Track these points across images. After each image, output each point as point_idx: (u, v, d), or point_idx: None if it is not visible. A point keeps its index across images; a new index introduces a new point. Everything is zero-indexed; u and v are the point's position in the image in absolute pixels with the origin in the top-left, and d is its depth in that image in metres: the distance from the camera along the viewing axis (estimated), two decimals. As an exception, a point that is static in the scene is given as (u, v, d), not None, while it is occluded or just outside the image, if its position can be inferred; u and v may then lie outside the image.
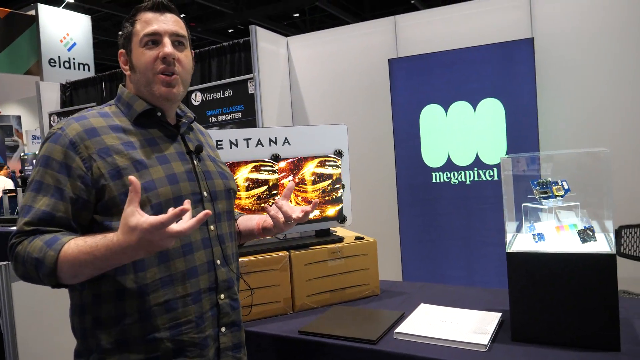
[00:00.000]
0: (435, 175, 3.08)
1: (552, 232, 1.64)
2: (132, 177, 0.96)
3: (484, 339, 1.58)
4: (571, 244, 1.58)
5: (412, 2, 11.53)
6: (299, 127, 2.18)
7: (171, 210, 0.92)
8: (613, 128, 2.90)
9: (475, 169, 3.00)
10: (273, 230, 1.42)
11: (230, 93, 3.89)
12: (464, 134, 3.00)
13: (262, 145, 1.85)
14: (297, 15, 13.09)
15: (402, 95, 3.14)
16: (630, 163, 2.87)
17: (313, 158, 1.95)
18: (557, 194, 1.64)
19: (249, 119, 3.83)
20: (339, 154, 2.17)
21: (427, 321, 1.73)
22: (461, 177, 3.03)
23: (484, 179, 2.98)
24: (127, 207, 0.95)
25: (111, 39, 13.03)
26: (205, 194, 1.21)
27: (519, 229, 1.80)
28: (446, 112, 3.04)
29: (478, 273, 2.97)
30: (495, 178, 2.95)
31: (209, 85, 4.08)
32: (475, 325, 1.68)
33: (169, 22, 1.20)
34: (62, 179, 1.09)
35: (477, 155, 2.99)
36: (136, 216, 0.94)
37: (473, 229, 2.97)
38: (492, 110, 2.93)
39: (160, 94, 1.19)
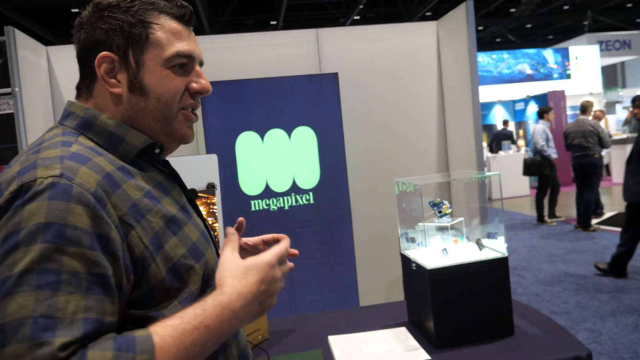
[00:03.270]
0: (254, 203, 3.04)
1: (452, 245, 1.86)
2: (239, 219, 0.88)
3: (421, 354, 1.68)
4: (472, 253, 1.83)
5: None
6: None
7: (280, 245, 0.87)
8: (402, 158, 3.48)
9: (293, 194, 3.09)
10: None
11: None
12: (280, 161, 3.07)
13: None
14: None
15: (216, 121, 3.01)
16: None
17: (218, 193, 1.71)
18: (446, 212, 1.87)
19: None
20: (212, 187, 1.97)
21: (356, 352, 1.73)
22: (280, 203, 3.08)
23: (301, 203, 3.11)
24: (230, 255, 0.83)
25: None
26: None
27: (406, 247, 1.98)
28: (262, 139, 3.05)
29: (302, 294, 3.06)
30: (312, 202, 3.11)
31: None
32: (399, 344, 1.76)
33: (196, 44, 0.92)
34: (98, 258, 0.69)
35: (293, 181, 3.09)
36: (245, 259, 0.82)
37: (295, 252, 3.05)
38: (306, 138, 3.10)
39: (182, 135, 0.91)
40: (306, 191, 3.11)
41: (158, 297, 0.77)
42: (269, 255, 0.83)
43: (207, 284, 0.85)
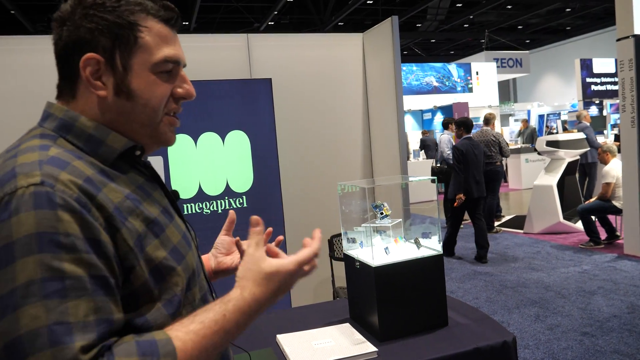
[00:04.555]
0: (187, 206, 3.00)
1: (392, 245, 1.99)
2: (253, 217, 0.84)
3: (369, 347, 1.79)
4: (412, 252, 1.97)
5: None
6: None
7: (313, 240, 0.89)
8: (331, 163, 3.58)
9: (226, 197, 3.09)
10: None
11: None
12: (214, 164, 3.05)
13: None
14: None
15: (147, 124, 2.93)
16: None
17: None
18: (387, 213, 2.00)
19: None
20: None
21: (306, 348, 1.79)
22: (213, 207, 3.06)
23: (235, 206, 3.11)
24: (255, 252, 0.83)
25: None
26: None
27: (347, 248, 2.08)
28: (196, 142, 3.02)
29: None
30: (245, 205, 3.13)
31: None
32: (346, 338, 1.85)
33: (181, 47, 0.90)
34: (95, 261, 0.69)
35: (227, 184, 3.09)
36: (268, 260, 0.82)
37: (229, 256, 3.05)
38: (239, 141, 3.11)
39: (166, 139, 0.90)
40: (240, 195, 3.13)
41: (141, 300, 0.77)
42: (292, 265, 0.83)
43: (189, 287, 0.85)
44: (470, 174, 5.55)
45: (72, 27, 0.81)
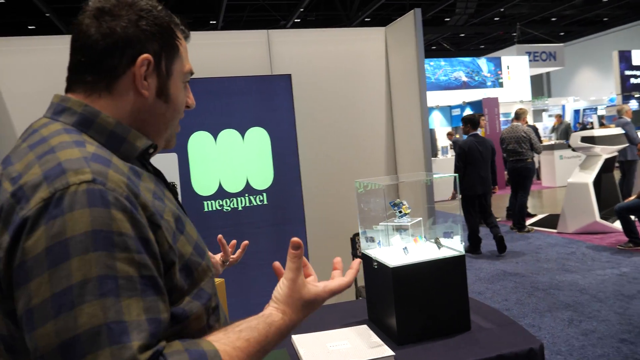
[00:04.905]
0: (207, 203, 2.98)
1: (412, 244, 1.91)
2: (295, 239, 0.86)
3: (385, 350, 1.71)
4: (432, 252, 1.88)
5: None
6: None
7: (351, 271, 0.93)
8: (353, 160, 3.51)
9: (246, 195, 3.06)
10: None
11: None
12: (234, 161, 3.02)
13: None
14: None
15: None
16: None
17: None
18: (406, 211, 1.92)
19: None
20: (173, 186, 1.91)
21: (321, 350, 1.73)
22: (233, 204, 3.03)
23: (255, 204, 3.07)
24: (297, 278, 0.86)
25: None
26: None
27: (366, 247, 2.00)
28: (215, 139, 2.99)
29: (256, 295, 3.02)
30: (265, 202, 3.08)
31: None
32: (363, 341, 1.78)
33: None
34: (146, 261, 0.70)
35: (247, 182, 3.05)
36: (308, 287, 0.87)
37: (248, 252, 3.00)
38: (259, 138, 3.07)
39: (174, 142, 0.97)
40: (260, 192, 3.09)
41: (173, 296, 0.77)
42: (327, 294, 0.89)
43: (211, 279, 0.88)
44: (475, 171, 5.72)
45: (124, 24, 0.81)
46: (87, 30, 0.81)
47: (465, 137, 6.20)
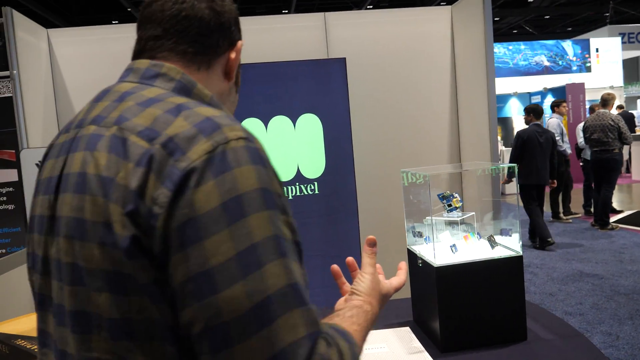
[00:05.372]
0: (257, 192, 2.93)
1: (462, 242, 1.73)
2: (370, 237, 0.93)
3: (426, 357, 1.56)
4: (484, 251, 1.69)
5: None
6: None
7: (400, 271, 0.98)
8: (412, 148, 3.33)
9: (297, 183, 2.97)
10: None
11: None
12: (285, 149, 2.94)
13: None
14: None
15: (218, 107, 2.89)
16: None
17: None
18: (456, 205, 1.73)
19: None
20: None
21: (357, 352, 1.60)
22: (284, 193, 2.96)
23: (306, 193, 2.99)
24: (375, 272, 0.90)
25: None
26: None
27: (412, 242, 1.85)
28: (266, 126, 2.93)
29: (310, 285, 2.95)
30: (317, 192, 2.99)
31: None
32: (402, 345, 1.64)
33: None
34: (295, 225, 0.67)
35: (298, 170, 2.97)
36: (383, 282, 0.91)
37: (299, 244, 2.94)
38: (311, 125, 2.97)
39: None
40: (311, 181, 2.99)
41: None
42: (393, 290, 0.93)
43: None
44: (532, 161, 5.59)
45: (229, 7, 0.84)
46: (198, 3, 0.79)
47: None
